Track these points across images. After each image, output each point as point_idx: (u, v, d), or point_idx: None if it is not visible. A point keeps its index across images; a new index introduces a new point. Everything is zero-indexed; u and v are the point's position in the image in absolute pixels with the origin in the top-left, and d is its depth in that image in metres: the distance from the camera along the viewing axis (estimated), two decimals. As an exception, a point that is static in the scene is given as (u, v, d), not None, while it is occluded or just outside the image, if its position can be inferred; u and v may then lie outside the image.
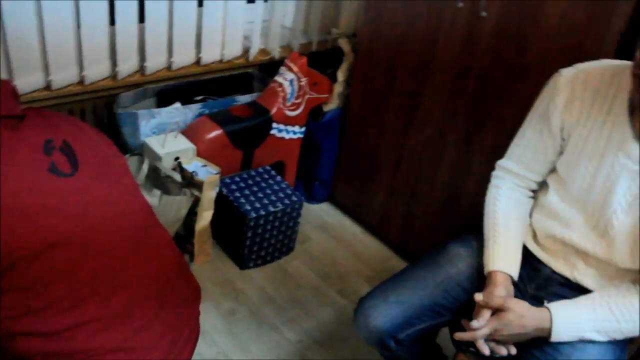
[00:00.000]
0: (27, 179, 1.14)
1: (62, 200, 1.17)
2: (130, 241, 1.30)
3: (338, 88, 2.32)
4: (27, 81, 1.81)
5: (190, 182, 1.93)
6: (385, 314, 1.25)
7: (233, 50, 2.26)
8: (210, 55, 2.20)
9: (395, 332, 1.27)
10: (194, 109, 2.07)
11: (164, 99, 2.10)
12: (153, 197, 1.88)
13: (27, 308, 1.12)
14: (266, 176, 2.15)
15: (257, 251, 2.07)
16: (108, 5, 1.85)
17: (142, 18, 1.97)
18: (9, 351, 1.15)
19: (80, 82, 1.93)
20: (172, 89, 2.12)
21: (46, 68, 1.84)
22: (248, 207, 1.99)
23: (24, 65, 1.78)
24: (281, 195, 2.07)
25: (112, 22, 1.90)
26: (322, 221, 2.44)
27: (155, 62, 2.08)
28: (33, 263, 1.11)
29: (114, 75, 2.00)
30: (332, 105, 2.35)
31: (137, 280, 1.29)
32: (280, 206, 2.02)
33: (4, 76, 1.72)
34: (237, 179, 2.11)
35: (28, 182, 1.13)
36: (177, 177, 1.92)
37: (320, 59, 2.37)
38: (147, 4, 1.93)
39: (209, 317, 1.89)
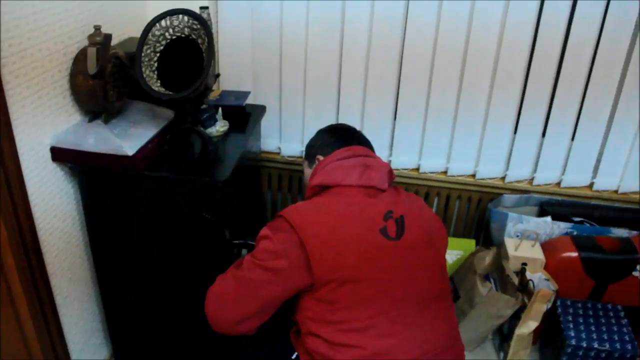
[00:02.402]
0: (360, 228, 1.53)
1: (379, 254, 1.52)
2: (418, 303, 1.56)
3: None
4: (427, 163, 2.33)
5: (525, 288, 2.07)
6: None
7: (631, 184, 2.23)
8: (604, 183, 2.25)
9: None
10: (561, 227, 2.18)
11: (545, 211, 2.27)
12: (483, 288, 2.11)
13: (323, 317, 1.51)
14: (611, 314, 2.06)
15: (571, 382, 2.03)
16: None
17: (544, 133, 2.22)
18: (302, 344, 1.61)
19: (472, 175, 2.33)
20: (555, 204, 2.27)
21: (448, 157, 2.31)
22: (571, 334, 1.98)
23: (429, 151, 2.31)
24: (615, 337, 1.96)
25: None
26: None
27: (545, 175, 2.28)
28: (340, 287, 1.47)
29: (502, 178, 2.31)
30: None
31: (410, 339, 1.56)
32: (607, 347, 1.93)
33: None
34: (579, 305, 2.10)
35: (360, 232, 1.53)
36: (515, 279, 2.09)
37: None
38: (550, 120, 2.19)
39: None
